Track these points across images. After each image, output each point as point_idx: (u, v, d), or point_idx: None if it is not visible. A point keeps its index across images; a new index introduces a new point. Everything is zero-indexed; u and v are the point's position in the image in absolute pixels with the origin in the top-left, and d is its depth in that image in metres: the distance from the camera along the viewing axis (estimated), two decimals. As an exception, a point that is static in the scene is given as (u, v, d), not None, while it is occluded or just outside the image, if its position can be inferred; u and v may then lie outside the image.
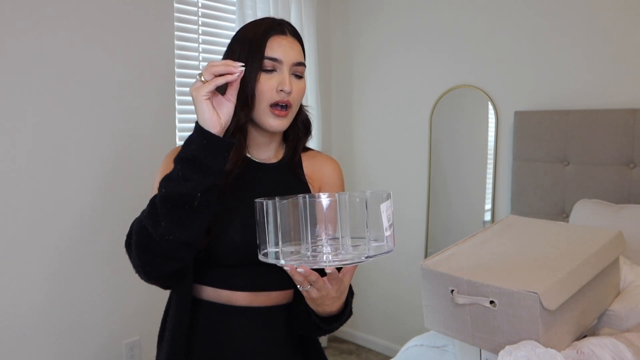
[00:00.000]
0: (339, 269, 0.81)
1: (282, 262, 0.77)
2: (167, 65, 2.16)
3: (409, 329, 2.59)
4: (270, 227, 0.78)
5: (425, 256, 2.70)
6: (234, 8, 2.39)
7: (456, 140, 2.61)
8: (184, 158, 0.82)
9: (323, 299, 0.83)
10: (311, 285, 0.81)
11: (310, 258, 0.77)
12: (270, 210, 0.78)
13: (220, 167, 0.84)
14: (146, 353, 2.16)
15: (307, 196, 0.78)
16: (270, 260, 0.78)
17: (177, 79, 2.21)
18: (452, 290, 1.07)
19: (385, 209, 0.78)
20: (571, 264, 1.07)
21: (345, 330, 3.10)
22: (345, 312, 0.92)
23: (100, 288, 2.00)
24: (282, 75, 0.96)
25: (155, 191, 0.89)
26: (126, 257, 0.96)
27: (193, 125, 0.86)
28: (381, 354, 2.90)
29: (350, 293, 0.99)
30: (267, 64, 0.95)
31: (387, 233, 0.78)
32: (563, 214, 2.17)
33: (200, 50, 2.31)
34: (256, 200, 0.81)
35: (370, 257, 0.76)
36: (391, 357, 1.78)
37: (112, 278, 2.02)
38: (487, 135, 2.46)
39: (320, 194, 0.80)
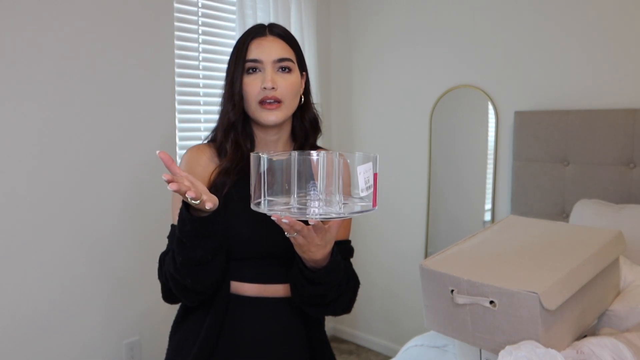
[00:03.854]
0: (324, 222, 0.89)
1: (267, 210, 0.84)
2: (167, 65, 2.16)
3: (409, 329, 2.59)
4: (264, 179, 0.85)
5: (425, 256, 2.70)
6: (234, 8, 2.39)
7: (456, 140, 2.61)
8: (187, 235, 0.91)
9: (308, 245, 0.90)
10: (297, 232, 0.86)
11: (296, 210, 0.84)
12: (265, 164, 0.84)
13: (220, 230, 0.94)
14: (146, 353, 2.16)
15: (299, 152, 0.86)
16: (261, 209, 0.85)
17: (177, 79, 2.21)
18: (452, 290, 1.07)
19: (363, 170, 0.84)
20: (571, 264, 1.07)
21: (345, 330, 3.10)
22: (330, 262, 0.98)
23: (100, 288, 2.00)
24: (264, 73, 1.04)
25: (175, 207, 1.00)
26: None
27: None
28: (381, 354, 2.90)
29: (356, 281, 1.09)
30: (249, 65, 1.05)
31: (363, 194, 0.85)
32: (563, 214, 2.17)
33: (200, 50, 2.31)
34: (252, 153, 0.87)
35: (352, 213, 0.85)
36: (391, 357, 1.78)
37: (112, 278, 2.02)
38: (487, 135, 2.46)
39: (313, 151, 0.87)
